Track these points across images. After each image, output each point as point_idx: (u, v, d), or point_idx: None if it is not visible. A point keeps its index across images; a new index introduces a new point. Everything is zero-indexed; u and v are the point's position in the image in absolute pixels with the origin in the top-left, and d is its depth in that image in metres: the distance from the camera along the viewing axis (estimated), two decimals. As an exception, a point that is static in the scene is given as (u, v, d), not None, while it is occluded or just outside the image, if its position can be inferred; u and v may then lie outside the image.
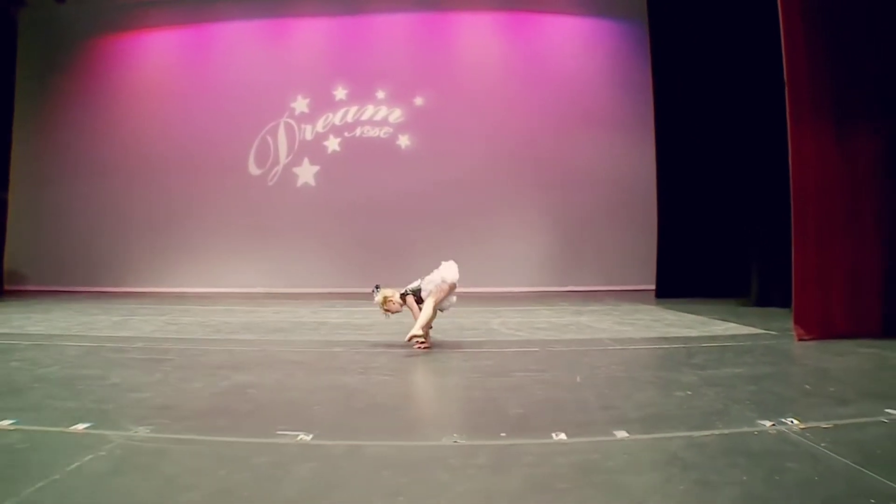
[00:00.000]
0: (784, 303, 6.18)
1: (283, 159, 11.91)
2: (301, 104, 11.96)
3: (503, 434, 2.58)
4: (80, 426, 2.71)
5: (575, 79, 11.70)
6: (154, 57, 12.45)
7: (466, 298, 8.61)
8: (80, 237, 12.09)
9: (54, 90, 12.31)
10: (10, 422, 2.76)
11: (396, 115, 11.77)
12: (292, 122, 11.95)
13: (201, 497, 2.02)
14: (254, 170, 11.93)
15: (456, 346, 4.94)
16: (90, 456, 2.34)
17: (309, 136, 11.89)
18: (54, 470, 2.19)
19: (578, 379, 3.61)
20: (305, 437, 2.54)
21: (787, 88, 4.97)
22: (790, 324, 5.07)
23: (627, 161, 11.10)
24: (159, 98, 12.20)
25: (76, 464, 2.27)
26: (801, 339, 4.85)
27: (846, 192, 5.00)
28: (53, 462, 2.28)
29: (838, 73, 5.02)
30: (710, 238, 9.34)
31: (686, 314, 7.03)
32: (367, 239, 11.42)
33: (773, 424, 2.60)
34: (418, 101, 11.75)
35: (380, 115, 11.79)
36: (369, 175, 11.53)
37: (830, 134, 5.00)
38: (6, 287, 12.14)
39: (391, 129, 11.76)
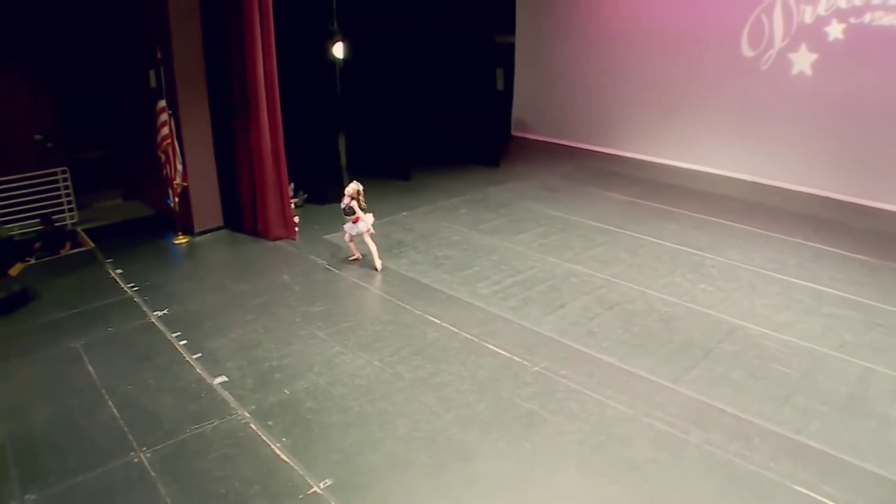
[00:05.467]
0: None
1: (777, 43, 10.73)
2: (803, -21, 10.30)
3: None
4: None
5: None
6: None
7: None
8: (580, 94, 13.79)
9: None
10: None
11: (922, -2, 9.19)
12: (790, 0, 10.46)
13: None
14: (747, 51, 11.14)
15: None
16: None
17: (808, 18, 10.28)
18: None
19: None
20: None
21: None
22: None
23: None
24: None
25: None
26: None
27: None
28: None
29: None
30: None
31: None
32: (864, 142, 10.00)
33: None
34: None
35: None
36: (877, 70, 9.64)
37: None
38: (513, 133, 14.98)
39: (912, 17, 9.32)
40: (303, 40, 10.15)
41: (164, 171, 8.86)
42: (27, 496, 4.55)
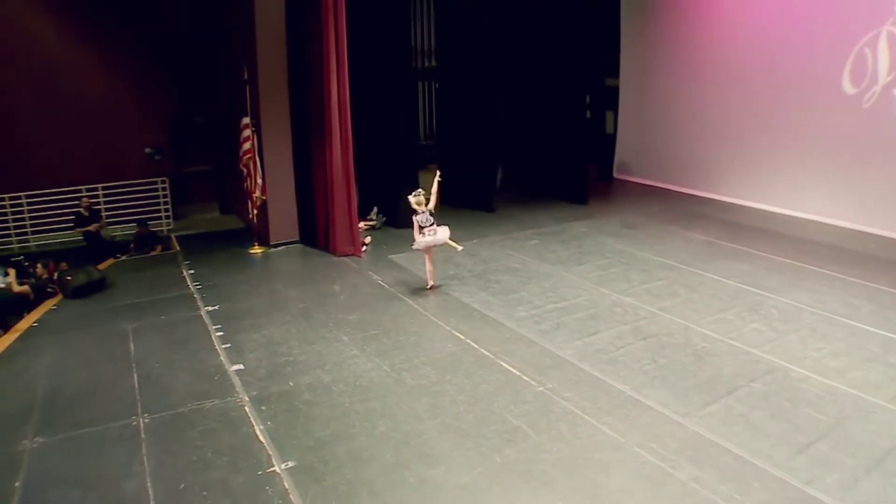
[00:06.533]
0: None
1: (882, 78, 9.82)
2: (909, 7, 9.42)
3: None
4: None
5: None
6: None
7: None
8: (679, 138, 13.42)
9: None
10: None
11: None
12: (896, 31, 9.60)
13: None
14: (848, 88, 10.30)
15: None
16: None
17: (917, 49, 9.40)
18: None
19: None
20: None
21: None
22: None
23: None
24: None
25: None
26: None
27: None
28: None
29: None
30: None
31: None
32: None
33: None
34: None
35: None
36: None
37: None
38: (615, 176, 14.79)
39: None
40: (388, 76, 10.75)
41: (245, 185, 9.59)
42: (36, 438, 5.13)
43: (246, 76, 9.24)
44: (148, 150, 10.62)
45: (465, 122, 12.37)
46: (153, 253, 9.55)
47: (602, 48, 14.39)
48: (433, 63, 13.05)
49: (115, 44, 10.44)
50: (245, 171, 9.51)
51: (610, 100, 15.46)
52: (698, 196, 13.12)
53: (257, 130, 9.37)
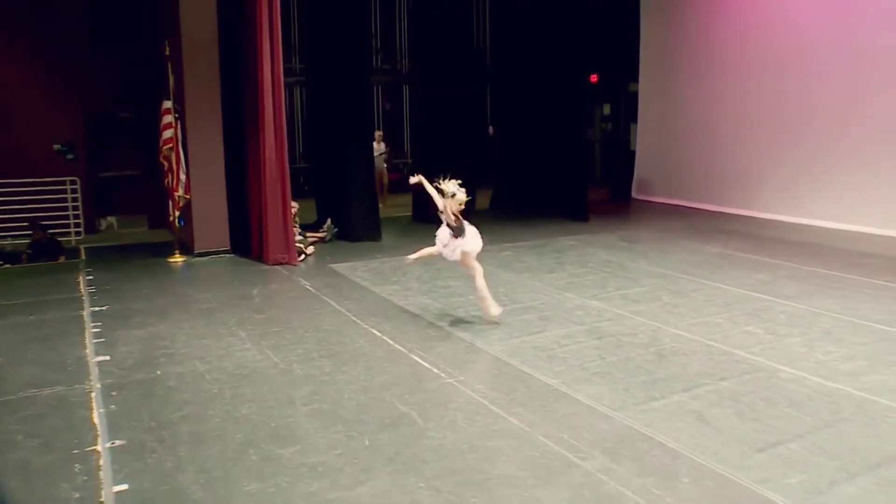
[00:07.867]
0: None
1: None
2: None
3: None
4: None
5: None
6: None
7: None
8: (702, 147, 13.44)
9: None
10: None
11: None
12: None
13: None
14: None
15: None
16: None
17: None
18: None
19: None
20: None
21: None
22: None
23: None
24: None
25: None
26: None
27: None
28: None
29: None
30: None
31: None
32: None
33: None
34: None
35: None
36: None
37: None
38: (634, 196, 14.81)
39: None
40: (346, 83, 11.12)
41: (166, 181, 9.76)
42: None
43: (168, 52, 9.47)
44: (57, 146, 10.67)
45: (440, 131, 12.63)
46: (54, 264, 9.64)
47: (621, 50, 14.65)
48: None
49: (12, 16, 10.52)
50: (166, 164, 9.67)
51: (635, 109, 15.57)
52: (728, 213, 13.20)
53: (180, 116, 9.57)
